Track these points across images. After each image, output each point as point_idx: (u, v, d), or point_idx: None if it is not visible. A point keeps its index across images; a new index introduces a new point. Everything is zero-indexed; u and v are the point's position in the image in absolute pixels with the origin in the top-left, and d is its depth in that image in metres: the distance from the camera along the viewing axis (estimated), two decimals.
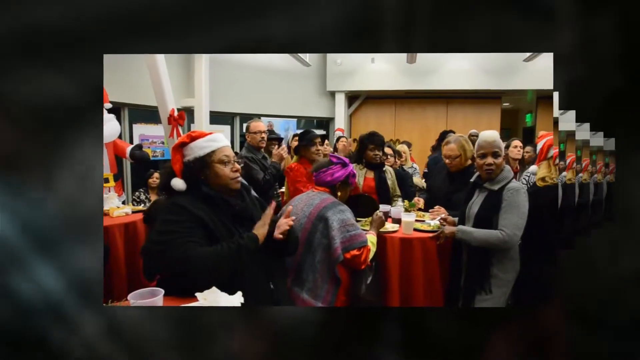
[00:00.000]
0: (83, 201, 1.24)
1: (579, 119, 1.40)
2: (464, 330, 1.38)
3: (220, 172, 1.62)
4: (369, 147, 3.23)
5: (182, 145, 1.65)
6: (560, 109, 1.41)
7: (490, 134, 2.23)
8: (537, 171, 2.43)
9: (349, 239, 2.05)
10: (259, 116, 7.16)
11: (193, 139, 1.65)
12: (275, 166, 3.29)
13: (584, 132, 1.51)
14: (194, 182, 1.60)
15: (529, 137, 8.17)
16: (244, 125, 3.65)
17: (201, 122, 5.05)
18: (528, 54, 6.97)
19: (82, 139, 1.25)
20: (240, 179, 1.70)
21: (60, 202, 1.23)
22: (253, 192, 1.86)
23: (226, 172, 1.63)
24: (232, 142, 7.74)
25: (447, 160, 2.87)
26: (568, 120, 1.43)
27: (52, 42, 1.24)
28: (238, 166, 1.67)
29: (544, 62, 7.47)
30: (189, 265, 1.42)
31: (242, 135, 7.50)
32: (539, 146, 2.53)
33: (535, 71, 7.70)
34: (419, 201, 3.13)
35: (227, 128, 7.55)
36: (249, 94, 7.63)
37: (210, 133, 1.69)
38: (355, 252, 2.04)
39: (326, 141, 4.16)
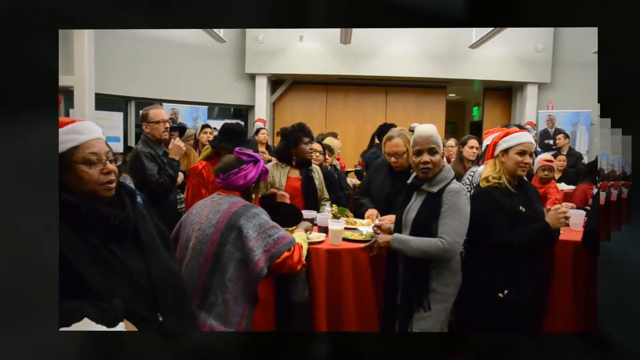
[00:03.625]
0: None
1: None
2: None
3: (85, 177, 1.42)
4: (303, 141, 3.20)
5: None
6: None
7: (426, 128, 2.33)
8: (483, 170, 2.57)
9: (273, 244, 2.05)
10: (159, 102, 6.93)
11: None
12: (172, 164, 3.15)
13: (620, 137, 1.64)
14: None
15: (476, 132, 8.69)
16: (141, 112, 3.48)
17: (83, 107, 4.73)
18: (474, 40, 7.41)
19: None
20: (127, 181, 1.60)
21: None
22: (140, 199, 1.74)
23: (93, 176, 1.43)
24: (125, 133, 7.41)
25: (392, 159, 2.96)
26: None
27: None
28: (112, 166, 1.47)
29: (491, 50, 8.00)
30: None
31: (139, 125, 7.19)
32: (486, 143, 2.67)
33: (482, 60, 8.21)
34: (372, 214, 3.05)
35: (119, 115, 7.21)
36: (148, 73, 7.35)
37: (74, 121, 1.48)
38: (285, 253, 2.07)
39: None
